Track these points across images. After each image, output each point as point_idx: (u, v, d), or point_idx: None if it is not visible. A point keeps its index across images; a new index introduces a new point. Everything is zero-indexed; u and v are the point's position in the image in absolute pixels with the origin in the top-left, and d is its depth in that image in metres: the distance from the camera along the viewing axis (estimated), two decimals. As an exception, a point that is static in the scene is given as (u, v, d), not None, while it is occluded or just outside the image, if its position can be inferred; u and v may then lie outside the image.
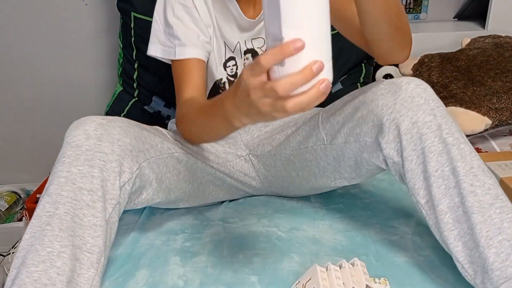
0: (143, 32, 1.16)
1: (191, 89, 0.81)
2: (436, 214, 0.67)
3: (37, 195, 1.49)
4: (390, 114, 0.71)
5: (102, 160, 0.65)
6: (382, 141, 0.72)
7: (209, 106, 0.70)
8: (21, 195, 1.57)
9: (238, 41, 0.89)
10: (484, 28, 1.45)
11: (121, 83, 1.30)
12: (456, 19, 1.57)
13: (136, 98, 1.27)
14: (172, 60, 0.84)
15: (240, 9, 0.85)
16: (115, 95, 1.29)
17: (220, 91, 0.93)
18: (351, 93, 0.80)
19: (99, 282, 0.62)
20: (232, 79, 0.92)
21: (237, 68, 0.91)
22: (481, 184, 0.65)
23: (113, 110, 1.27)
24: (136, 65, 1.25)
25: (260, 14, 0.87)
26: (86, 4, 1.38)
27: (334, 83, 1.25)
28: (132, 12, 1.20)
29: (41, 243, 0.59)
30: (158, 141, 0.77)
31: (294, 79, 0.49)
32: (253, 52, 0.91)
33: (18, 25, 1.41)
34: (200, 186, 0.88)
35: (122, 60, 1.29)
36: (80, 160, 0.64)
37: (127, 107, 1.26)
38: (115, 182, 0.66)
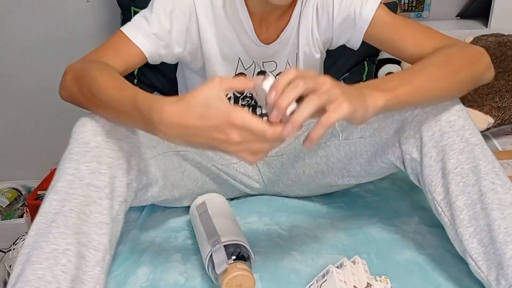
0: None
1: (114, 62, 0.71)
2: (452, 211, 0.67)
3: (38, 192, 1.49)
4: (413, 110, 0.71)
5: (110, 157, 0.64)
6: (401, 136, 0.72)
7: (128, 96, 0.61)
8: (22, 192, 1.57)
9: (253, 61, 0.86)
10: (486, 27, 1.44)
11: (122, 80, 1.30)
12: (459, 17, 1.57)
13: (137, 95, 1.27)
14: (120, 30, 0.74)
15: (254, 31, 0.82)
16: (116, 92, 1.29)
17: None
18: None
19: (104, 280, 0.62)
20: (238, 95, 0.90)
21: None
22: (502, 183, 0.66)
23: (114, 107, 1.26)
24: (137, 62, 1.25)
25: (274, 41, 0.84)
26: (88, 1, 1.38)
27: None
28: (132, 7, 1.20)
29: (46, 240, 0.58)
30: None
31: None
32: (265, 75, 0.88)
33: (19, 22, 1.40)
34: (204, 185, 0.88)
35: (123, 56, 1.28)
36: (88, 157, 0.63)
37: (128, 104, 1.26)
38: (122, 179, 0.65)
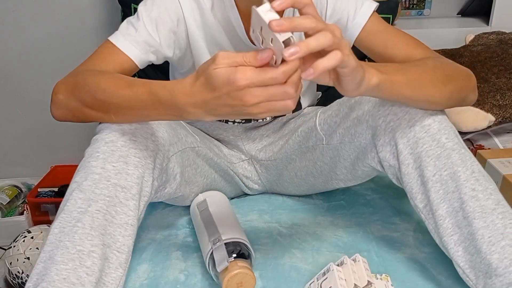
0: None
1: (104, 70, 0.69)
2: (435, 219, 0.66)
3: (38, 189, 1.49)
4: (386, 116, 0.70)
5: (137, 157, 0.63)
6: (377, 143, 0.71)
7: (141, 87, 0.58)
8: (22, 189, 1.57)
9: None
10: (488, 25, 1.44)
11: (122, 77, 1.29)
12: (460, 15, 1.56)
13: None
14: (107, 40, 0.73)
15: (245, 32, 0.80)
16: (117, 90, 1.28)
17: None
18: None
19: (124, 282, 0.61)
20: None
21: None
22: (483, 189, 0.64)
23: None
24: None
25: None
26: (88, -2, 1.38)
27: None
28: (132, 4, 1.19)
29: (71, 240, 0.57)
30: (183, 134, 0.76)
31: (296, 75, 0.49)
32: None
33: (20, 20, 1.40)
34: (212, 182, 0.88)
35: (123, 54, 1.28)
36: (115, 156, 0.62)
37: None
38: (148, 179, 0.65)
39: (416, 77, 0.64)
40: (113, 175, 0.61)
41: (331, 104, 0.83)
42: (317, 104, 1.06)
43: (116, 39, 0.72)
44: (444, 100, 0.68)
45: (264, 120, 0.94)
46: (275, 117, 0.94)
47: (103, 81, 0.62)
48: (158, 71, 1.22)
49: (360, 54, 1.25)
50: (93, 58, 0.72)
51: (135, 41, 0.72)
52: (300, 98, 0.94)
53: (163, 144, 0.69)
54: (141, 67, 0.75)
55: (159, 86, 0.56)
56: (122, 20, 1.26)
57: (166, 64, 0.90)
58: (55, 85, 0.68)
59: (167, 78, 1.07)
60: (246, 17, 0.79)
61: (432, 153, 0.66)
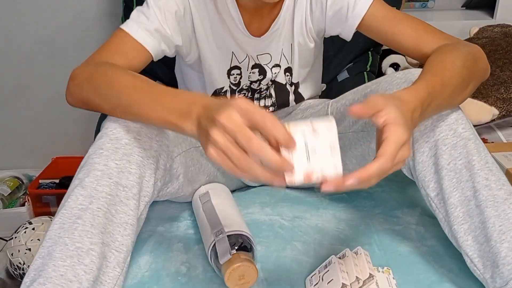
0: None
1: (120, 62, 0.70)
2: (446, 208, 0.66)
3: (40, 181, 1.49)
4: None
5: (140, 156, 0.63)
6: None
7: (161, 91, 0.61)
8: (24, 181, 1.57)
9: (247, 54, 0.85)
10: (492, 17, 1.43)
11: (124, 69, 1.29)
12: (464, 7, 1.55)
13: (139, 84, 1.26)
14: (120, 28, 0.74)
15: (244, 25, 0.80)
16: (118, 81, 1.28)
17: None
18: (364, 84, 0.78)
19: (122, 281, 0.61)
20: (235, 87, 0.88)
21: (241, 78, 0.88)
22: (496, 179, 0.64)
23: (116, 96, 1.26)
24: (139, 51, 1.24)
25: (266, 32, 0.83)
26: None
27: (340, 71, 1.24)
28: (134, -4, 1.19)
29: (70, 236, 0.57)
30: None
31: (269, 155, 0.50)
32: (260, 68, 0.87)
33: (20, 11, 1.39)
34: (214, 179, 0.88)
35: (125, 45, 1.27)
36: (119, 154, 0.62)
37: (130, 93, 1.25)
38: (150, 179, 0.65)
39: (448, 92, 0.63)
40: (115, 173, 0.61)
41: (344, 94, 0.83)
42: (321, 96, 1.05)
43: (129, 27, 0.73)
44: (463, 100, 0.69)
45: (267, 110, 0.94)
46: (279, 107, 0.94)
47: (123, 78, 0.64)
48: (160, 62, 1.21)
49: (366, 44, 1.25)
50: (109, 48, 0.73)
51: (147, 30, 0.73)
52: (299, 87, 0.93)
53: (168, 145, 0.68)
54: (155, 59, 0.75)
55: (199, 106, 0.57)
56: (124, 11, 1.25)
57: (169, 58, 0.90)
58: (72, 71, 0.70)
59: (171, 72, 1.07)
60: (247, 10, 0.80)
61: (448, 142, 0.66)
